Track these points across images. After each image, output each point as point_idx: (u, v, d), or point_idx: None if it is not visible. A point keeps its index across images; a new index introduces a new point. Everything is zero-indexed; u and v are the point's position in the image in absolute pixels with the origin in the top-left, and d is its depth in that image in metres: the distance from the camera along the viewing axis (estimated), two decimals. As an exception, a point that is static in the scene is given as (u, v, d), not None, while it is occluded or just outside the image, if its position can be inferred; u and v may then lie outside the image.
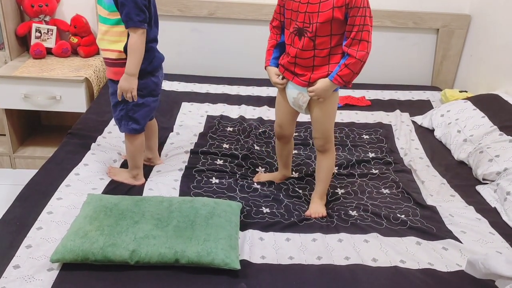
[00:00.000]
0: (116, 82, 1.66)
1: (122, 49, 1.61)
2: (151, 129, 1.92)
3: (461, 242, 1.58)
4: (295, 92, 1.67)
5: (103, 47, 1.66)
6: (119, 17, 1.57)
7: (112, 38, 1.62)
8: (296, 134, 2.26)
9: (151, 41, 1.67)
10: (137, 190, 1.75)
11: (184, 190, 1.76)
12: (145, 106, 1.72)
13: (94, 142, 2.04)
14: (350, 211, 1.71)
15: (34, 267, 1.31)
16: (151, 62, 1.69)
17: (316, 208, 1.70)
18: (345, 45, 1.53)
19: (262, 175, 1.93)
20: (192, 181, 1.83)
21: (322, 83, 1.58)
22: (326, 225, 1.63)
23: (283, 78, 1.69)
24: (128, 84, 1.62)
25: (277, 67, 1.70)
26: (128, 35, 1.59)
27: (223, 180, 1.85)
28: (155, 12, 1.67)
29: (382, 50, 2.97)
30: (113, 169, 1.87)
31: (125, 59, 1.61)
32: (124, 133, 1.78)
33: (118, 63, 1.64)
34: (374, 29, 2.89)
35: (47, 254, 1.35)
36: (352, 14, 1.48)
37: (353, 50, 1.51)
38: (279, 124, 1.81)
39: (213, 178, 1.87)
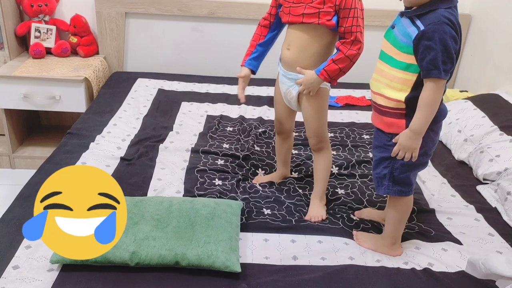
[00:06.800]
0: (387, 134, 1.41)
1: (403, 100, 1.32)
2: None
3: (460, 243, 1.58)
4: (284, 87, 1.67)
5: (378, 90, 1.39)
6: (411, 62, 1.29)
7: (393, 84, 1.34)
8: (296, 134, 2.25)
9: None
10: (141, 190, 1.75)
11: (188, 190, 1.76)
12: (415, 166, 1.43)
13: (93, 142, 2.04)
14: (352, 216, 1.71)
15: (33, 267, 1.31)
16: (436, 116, 1.34)
17: (316, 211, 1.69)
18: (339, 42, 1.53)
19: (261, 177, 1.93)
20: (195, 182, 1.82)
21: (308, 76, 1.57)
22: (329, 228, 1.63)
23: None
24: (411, 143, 1.33)
25: (255, 69, 1.71)
26: (416, 84, 1.31)
27: (226, 182, 1.84)
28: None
29: (382, 50, 2.97)
30: (361, 234, 1.59)
31: (404, 109, 1.34)
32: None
33: (393, 113, 1.36)
34: (375, 29, 2.92)
35: (46, 255, 1.35)
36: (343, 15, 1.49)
37: (345, 47, 1.51)
38: (277, 119, 1.82)
39: (216, 179, 1.86)
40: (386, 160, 1.42)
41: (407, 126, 1.35)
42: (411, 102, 1.32)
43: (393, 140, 1.38)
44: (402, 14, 1.36)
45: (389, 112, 1.37)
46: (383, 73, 1.37)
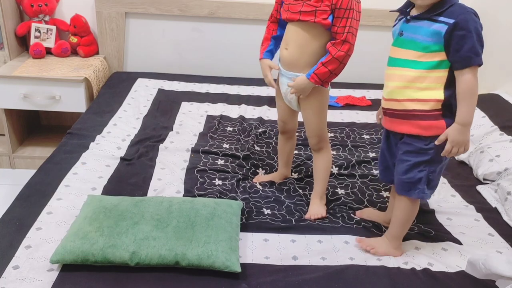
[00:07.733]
0: (424, 138, 1.37)
1: (442, 97, 1.32)
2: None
3: (460, 243, 1.58)
4: (284, 87, 1.67)
5: (407, 96, 1.36)
6: (441, 59, 1.29)
7: (424, 85, 1.33)
8: (297, 134, 2.25)
9: None
10: (141, 190, 1.75)
11: (188, 190, 1.75)
12: (444, 167, 1.46)
13: (93, 141, 2.04)
14: (352, 215, 1.71)
15: (33, 267, 1.31)
16: None
17: (316, 210, 1.69)
18: (330, 43, 1.52)
19: (262, 177, 1.93)
20: (195, 182, 1.82)
21: (299, 80, 1.57)
22: (329, 227, 1.63)
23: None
24: (463, 136, 1.32)
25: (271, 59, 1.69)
26: (449, 81, 1.31)
27: (226, 182, 1.84)
28: None
29: (383, 50, 2.96)
30: (368, 241, 1.54)
31: (440, 110, 1.34)
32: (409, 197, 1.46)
33: (430, 115, 1.34)
34: (375, 29, 2.91)
35: (46, 255, 1.35)
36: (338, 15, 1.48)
37: (335, 48, 1.50)
38: (280, 119, 1.82)
39: (216, 179, 1.86)
40: (422, 164, 1.40)
41: (447, 126, 1.34)
42: (449, 100, 1.32)
43: (437, 142, 1.35)
44: (408, 20, 1.36)
45: (426, 115, 1.35)
46: (409, 78, 1.34)
